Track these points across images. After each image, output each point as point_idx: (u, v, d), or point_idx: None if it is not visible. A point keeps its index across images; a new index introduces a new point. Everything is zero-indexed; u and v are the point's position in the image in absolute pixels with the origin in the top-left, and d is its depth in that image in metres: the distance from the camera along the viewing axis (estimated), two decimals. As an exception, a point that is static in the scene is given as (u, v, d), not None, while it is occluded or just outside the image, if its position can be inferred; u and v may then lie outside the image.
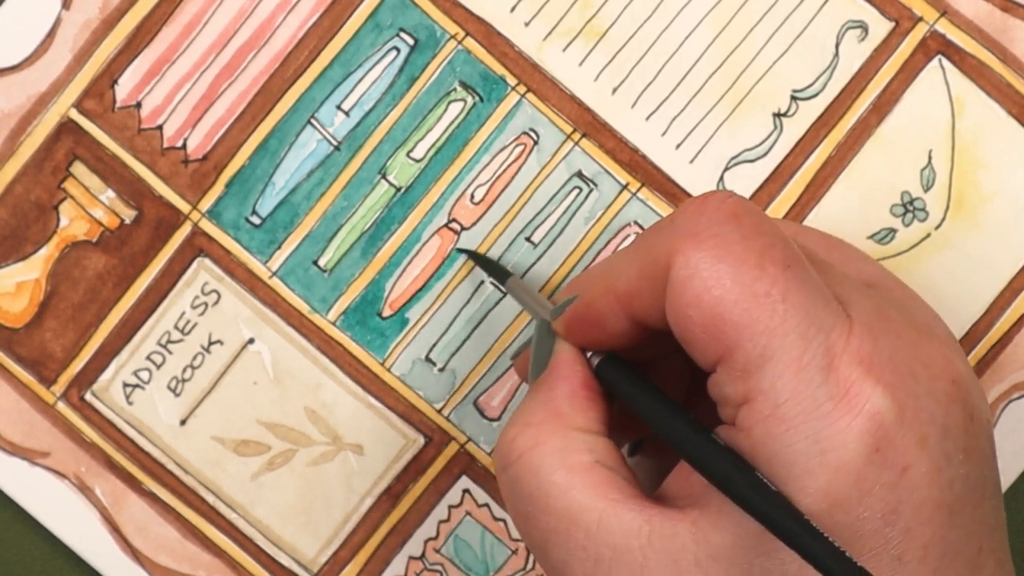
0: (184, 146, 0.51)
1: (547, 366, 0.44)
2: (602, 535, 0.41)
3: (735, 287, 0.40)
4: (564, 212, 0.51)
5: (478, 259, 0.51)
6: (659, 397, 0.42)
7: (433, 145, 0.51)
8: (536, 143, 0.51)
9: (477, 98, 0.51)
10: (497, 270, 0.50)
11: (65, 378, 0.51)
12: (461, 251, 0.51)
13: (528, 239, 0.51)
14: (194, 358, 0.51)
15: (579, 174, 0.51)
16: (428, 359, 0.51)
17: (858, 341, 0.40)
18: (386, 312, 0.51)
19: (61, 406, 0.51)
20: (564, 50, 0.51)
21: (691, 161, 0.51)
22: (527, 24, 0.51)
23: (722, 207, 0.41)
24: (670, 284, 0.41)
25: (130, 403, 0.51)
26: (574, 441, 0.42)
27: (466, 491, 0.51)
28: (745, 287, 0.40)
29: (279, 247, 0.51)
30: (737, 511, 0.40)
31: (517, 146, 0.51)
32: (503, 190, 0.51)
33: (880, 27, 0.51)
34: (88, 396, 0.51)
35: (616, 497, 0.41)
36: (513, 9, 0.51)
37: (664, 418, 0.41)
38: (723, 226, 0.40)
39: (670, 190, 0.51)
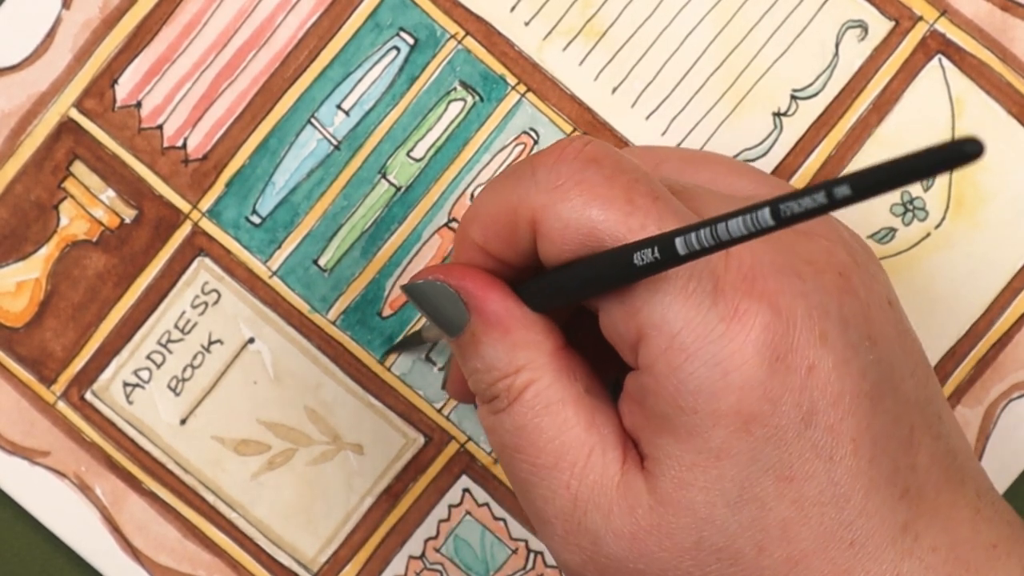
0: (184, 146, 0.51)
1: (466, 323, 0.43)
2: (587, 472, 0.41)
3: (610, 228, 0.40)
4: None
5: (397, 349, 0.51)
6: (566, 265, 0.42)
7: (433, 144, 0.51)
8: (536, 142, 0.51)
9: (477, 97, 0.51)
10: (413, 341, 0.50)
11: (65, 377, 0.51)
12: (387, 354, 0.51)
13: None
14: (194, 357, 0.51)
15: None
16: (428, 359, 0.51)
17: (737, 258, 0.40)
18: (386, 312, 0.51)
19: (61, 405, 0.51)
20: (564, 50, 0.51)
21: (691, 161, 0.51)
22: (527, 24, 0.51)
23: (580, 155, 0.41)
24: (543, 238, 0.41)
25: (130, 402, 0.51)
26: (561, 373, 0.42)
27: (466, 490, 0.51)
28: (620, 225, 0.40)
29: (279, 246, 0.51)
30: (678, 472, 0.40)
31: (517, 145, 0.51)
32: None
33: (880, 26, 0.51)
34: (88, 395, 0.51)
35: (606, 433, 0.42)
36: (513, 9, 0.51)
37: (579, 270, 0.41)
38: (584, 172, 0.40)
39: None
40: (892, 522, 0.40)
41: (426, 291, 0.43)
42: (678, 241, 0.37)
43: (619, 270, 0.39)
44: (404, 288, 0.44)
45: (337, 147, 0.51)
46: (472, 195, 0.51)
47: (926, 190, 0.51)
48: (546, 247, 0.41)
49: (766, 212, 0.34)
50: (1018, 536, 0.42)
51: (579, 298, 0.42)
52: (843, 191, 0.33)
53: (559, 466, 0.42)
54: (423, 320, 0.50)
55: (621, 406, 0.42)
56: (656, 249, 0.38)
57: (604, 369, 0.44)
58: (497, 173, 0.42)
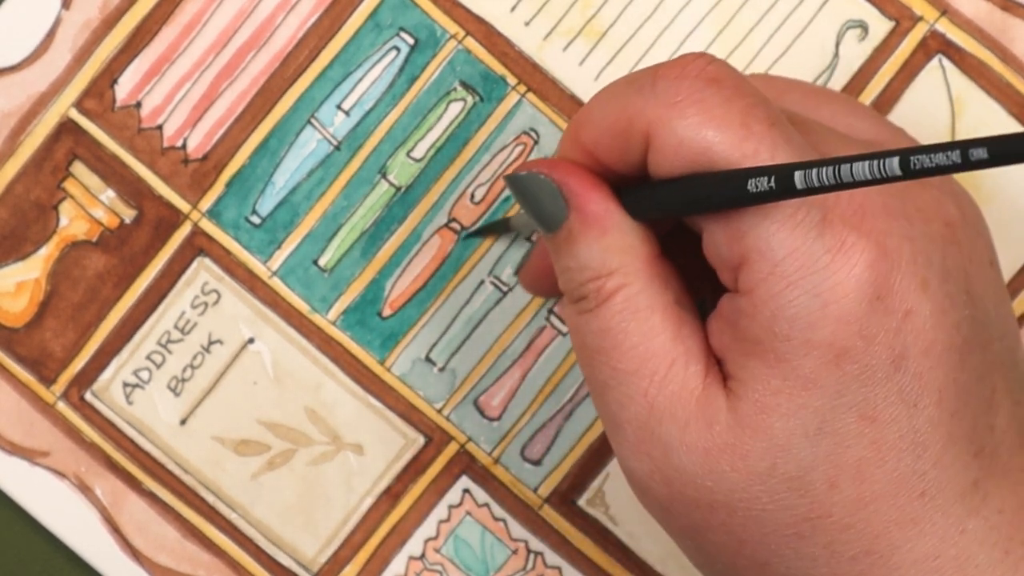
0: (184, 146, 0.51)
1: (564, 220, 0.43)
2: (667, 382, 0.41)
3: (723, 150, 0.40)
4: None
5: (482, 232, 0.50)
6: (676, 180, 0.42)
7: (433, 145, 0.51)
8: (536, 143, 0.51)
9: (477, 98, 0.51)
10: (499, 227, 0.50)
11: (65, 378, 0.51)
12: (468, 237, 0.51)
13: (528, 239, 0.51)
14: (194, 358, 0.51)
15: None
16: (428, 359, 0.51)
17: (849, 192, 0.40)
18: (386, 312, 0.51)
19: (61, 406, 0.51)
20: (564, 50, 0.51)
21: (691, 161, 0.51)
22: (527, 24, 0.51)
23: (702, 73, 0.41)
24: (655, 151, 0.41)
25: (130, 403, 0.51)
26: (653, 281, 0.42)
27: (466, 491, 0.51)
28: (733, 148, 0.40)
29: (279, 247, 0.51)
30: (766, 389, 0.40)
31: (517, 145, 0.51)
32: (503, 190, 0.51)
33: (880, 27, 0.51)
34: (88, 396, 0.51)
35: (690, 345, 0.42)
36: (513, 9, 0.51)
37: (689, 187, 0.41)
38: (704, 91, 0.40)
39: (670, 190, 0.51)
40: (964, 478, 0.41)
41: (528, 184, 0.43)
42: (797, 175, 0.37)
43: (731, 193, 0.39)
44: (507, 178, 0.44)
45: (337, 147, 0.51)
46: (472, 195, 0.51)
47: (926, 190, 0.51)
48: (657, 160, 0.41)
49: (895, 161, 0.34)
50: None
51: (683, 213, 0.42)
52: (979, 153, 0.32)
53: (640, 372, 0.41)
54: (516, 208, 0.50)
55: (710, 325, 0.42)
56: (773, 179, 0.38)
57: (693, 287, 0.44)
58: (613, 81, 0.42)
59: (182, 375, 0.51)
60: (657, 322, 0.42)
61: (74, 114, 0.51)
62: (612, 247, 0.42)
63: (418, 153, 0.51)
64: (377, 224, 0.51)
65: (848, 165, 0.36)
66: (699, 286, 0.44)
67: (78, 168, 0.51)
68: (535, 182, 0.43)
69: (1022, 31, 0.51)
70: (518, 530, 0.51)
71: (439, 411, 0.51)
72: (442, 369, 0.51)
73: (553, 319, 0.51)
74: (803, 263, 0.39)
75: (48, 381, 0.51)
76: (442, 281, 0.51)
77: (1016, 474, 0.42)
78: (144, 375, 0.51)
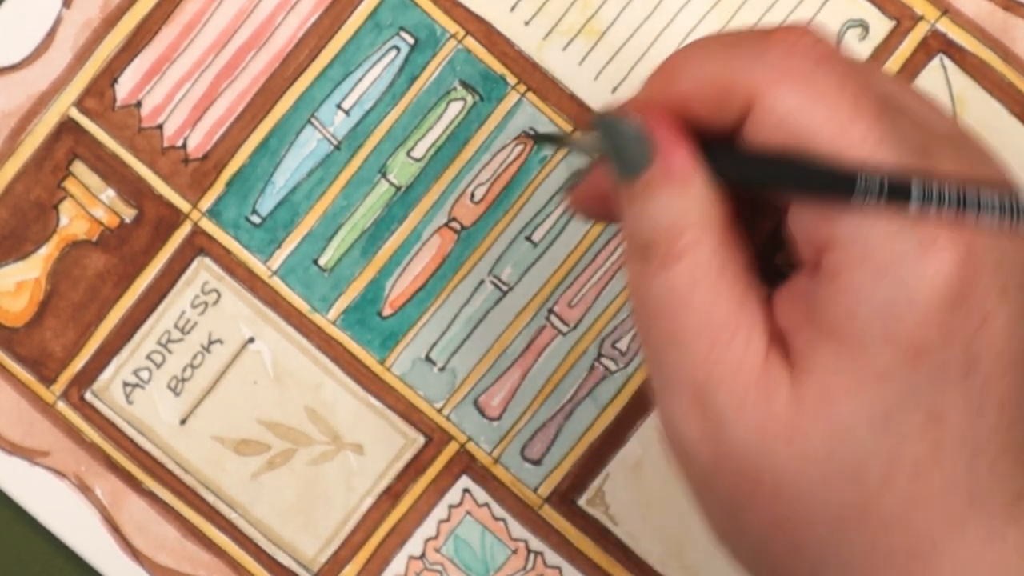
0: (184, 145, 0.51)
1: (646, 168, 0.41)
2: (729, 350, 0.40)
3: (829, 133, 0.39)
4: (565, 211, 0.51)
5: (546, 139, 0.50)
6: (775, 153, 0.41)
7: (433, 144, 0.51)
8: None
9: (477, 97, 0.51)
10: (563, 141, 0.49)
11: (65, 377, 0.51)
12: (536, 138, 0.50)
13: (528, 238, 0.51)
14: (194, 357, 0.51)
15: (579, 173, 0.51)
16: (428, 358, 0.51)
17: None
18: (386, 311, 0.51)
19: (61, 405, 0.51)
20: (564, 49, 0.51)
21: (691, 160, 0.51)
22: (527, 23, 0.51)
23: (815, 48, 0.40)
24: (756, 121, 0.40)
25: (130, 402, 0.51)
26: (726, 245, 0.41)
27: (466, 491, 0.51)
28: (839, 133, 0.39)
29: (279, 246, 0.51)
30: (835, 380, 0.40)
31: (517, 145, 0.51)
32: (503, 189, 0.51)
33: (881, 26, 0.51)
34: (88, 395, 0.51)
35: (756, 317, 0.41)
36: (513, 8, 0.51)
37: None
38: (817, 68, 0.40)
39: (670, 189, 0.51)
40: (1011, 488, 0.40)
41: (618, 126, 0.41)
42: (915, 186, 0.37)
43: (836, 184, 0.39)
44: (595, 117, 0.42)
45: (337, 147, 0.51)
46: (472, 195, 0.51)
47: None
48: (755, 130, 0.40)
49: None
50: None
51: (775, 188, 0.41)
52: None
53: (702, 335, 0.41)
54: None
55: (779, 299, 0.41)
56: (887, 184, 0.38)
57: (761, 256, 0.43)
58: (718, 32, 0.41)
59: (182, 375, 0.51)
60: (725, 287, 0.41)
61: (74, 113, 0.51)
62: (690, 204, 0.41)
63: (418, 153, 0.51)
64: (377, 224, 0.51)
65: (976, 192, 0.35)
66: (767, 256, 0.43)
67: (78, 167, 0.51)
68: (624, 124, 0.41)
69: (1023, 30, 0.51)
70: (518, 530, 0.51)
71: (439, 411, 0.51)
72: (442, 369, 0.51)
73: (553, 319, 0.51)
74: (894, 255, 0.39)
75: (48, 381, 0.51)
76: (442, 281, 0.51)
77: None
78: (144, 375, 0.51)
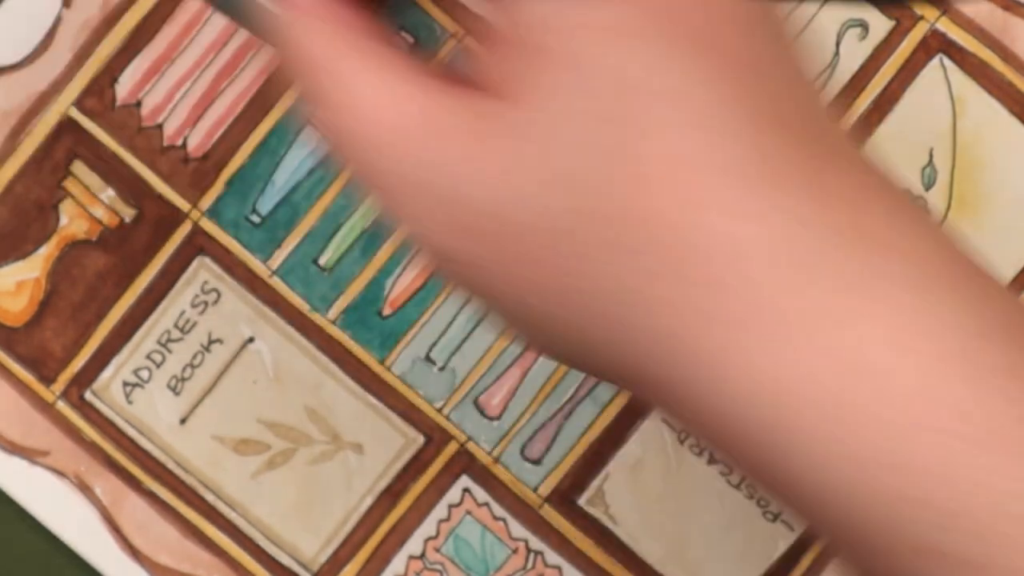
0: (184, 145, 0.51)
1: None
2: (407, 115, 0.35)
3: None
4: None
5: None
6: None
7: (433, 144, 0.51)
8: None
9: (477, 97, 0.51)
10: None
11: (65, 377, 0.51)
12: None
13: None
14: (194, 357, 0.51)
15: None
16: (428, 358, 0.51)
17: None
18: (386, 311, 0.51)
19: (61, 405, 0.51)
20: (564, 49, 0.51)
21: (691, 160, 0.51)
22: (527, 23, 0.51)
23: None
24: None
25: (130, 402, 0.51)
26: (365, 41, 0.35)
27: (466, 490, 0.51)
28: None
29: (279, 246, 0.51)
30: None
31: (517, 145, 0.51)
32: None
33: (881, 26, 0.51)
34: (88, 395, 0.51)
35: (420, 77, 0.35)
36: (513, 8, 0.51)
37: None
38: None
39: (670, 189, 0.51)
40: (802, 161, 0.33)
41: (231, 4, 0.37)
42: None
43: None
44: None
45: (337, 146, 0.51)
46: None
47: (927, 189, 0.51)
48: None
49: None
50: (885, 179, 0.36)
51: None
52: None
53: (397, 122, 0.34)
54: None
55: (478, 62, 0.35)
56: None
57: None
58: None
59: (182, 374, 0.51)
60: (381, 62, 0.35)
61: (74, 113, 0.51)
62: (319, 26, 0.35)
63: (418, 152, 0.51)
64: (377, 224, 0.51)
65: None
66: None
67: (78, 167, 0.51)
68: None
69: (1023, 30, 0.51)
70: (518, 529, 0.51)
71: (439, 410, 0.51)
72: (442, 368, 0.51)
73: (553, 318, 0.51)
74: None
75: (48, 380, 0.51)
76: (442, 280, 0.51)
77: (849, 155, 0.34)
78: (144, 374, 0.51)
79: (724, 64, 0.33)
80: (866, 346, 0.32)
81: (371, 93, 0.35)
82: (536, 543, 0.51)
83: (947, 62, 0.51)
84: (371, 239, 0.51)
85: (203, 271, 0.51)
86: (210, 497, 0.51)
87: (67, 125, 0.51)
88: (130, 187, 0.51)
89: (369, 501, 0.51)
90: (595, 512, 0.51)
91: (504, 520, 0.51)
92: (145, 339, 0.51)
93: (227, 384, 0.51)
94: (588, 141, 0.33)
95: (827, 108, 0.35)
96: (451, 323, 0.51)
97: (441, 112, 0.34)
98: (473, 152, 0.34)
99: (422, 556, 0.51)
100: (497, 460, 0.51)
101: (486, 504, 0.51)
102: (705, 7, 0.33)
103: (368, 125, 0.35)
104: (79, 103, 0.51)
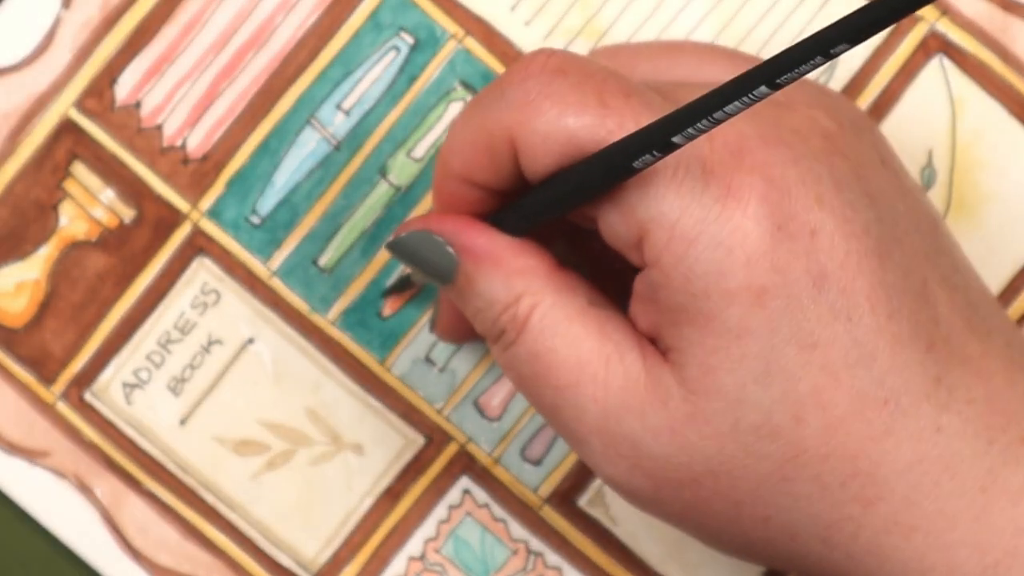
0: (184, 146, 0.51)
1: (454, 267, 0.43)
2: (610, 380, 0.41)
3: (588, 134, 0.40)
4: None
5: (397, 289, 0.50)
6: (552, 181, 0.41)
7: (434, 144, 0.51)
8: (536, 143, 0.51)
9: (477, 98, 0.51)
10: (407, 283, 0.50)
11: (65, 378, 0.51)
12: (386, 295, 0.51)
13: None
14: (194, 358, 0.51)
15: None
16: (428, 359, 0.51)
17: (722, 137, 0.40)
18: (386, 312, 0.51)
19: (61, 406, 0.51)
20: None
21: (691, 161, 0.51)
22: (527, 23, 0.51)
23: (545, 67, 0.41)
24: (524, 155, 0.41)
25: (130, 403, 0.51)
26: (561, 292, 0.42)
27: (466, 491, 0.51)
28: (597, 128, 0.40)
29: (279, 247, 0.51)
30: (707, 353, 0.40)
31: (517, 146, 0.51)
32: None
33: (881, 27, 0.51)
34: (88, 396, 0.51)
35: (618, 338, 0.42)
36: (514, 8, 0.51)
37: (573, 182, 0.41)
38: (552, 84, 0.41)
39: (670, 190, 0.51)
40: (923, 376, 0.40)
41: (410, 244, 0.43)
42: (665, 129, 0.37)
43: (604, 171, 0.40)
44: (388, 246, 0.44)
45: (337, 147, 0.51)
46: (472, 195, 0.51)
47: (927, 189, 0.51)
48: (529, 163, 0.41)
49: (757, 81, 0.34)
50: None
51: (566, 209, 0.42)
52: (841, 48, 0.33)
53: (581, 381, 0.42)
54: None
55: (634, 308, 0.42)
56: (642, 141, 0.38)
57: (608, 287, 0.44)
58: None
59: (182, 375, 0.51)
60: (579, 329, 0.42)
61: (74, 114, 0.51)
62: (511, 272, 0.42)
63: (418, 153, 0.51)
64: (377, 224, 0.51)
65: (717, 97, 0.35)
66: (616, 280, 0.44)
67: (78, 168, 0.51)
68: (417, 240, 0.43)
69: (1023, 31, 0.51)
70: (518, 530, 0.51)
71: (439, 411, 0.51)
72: (442, 369, 0.51)
73: (553, 319, 0.51)
74: (698, 218, 0.39)
75: (48, 381, 0.51)
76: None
77: (976, 362, 0.41)
78: (144, 375, 0.51)
79: (869, 298, 0.41)
80: None
81: (598, 361, 0.42)
82: (536, 544, 0.51)
83: (947, 63, 0.51)
84: (371, 240, 0.51)
85: (203, 272, 0.51)
86: (210, 498, 0.51)
87: (67, 126, 0.51)
88: (130, 188, 0.51)
89: (369, 502, 0.51)
90: (595, 513, 0.51)
91: (504, 521, 0.51)
92: (145, 340, 0.51)
93: (227, 385, 0.51)
94: (767, 396, 0.40)
95: (993, 303, 0.43)
96: (451, 324, 0.51)
97: (644, 378, 0.41)
98: (656, 413, 0.41)
99: (422, 557, 0.51)
100: (497, 461, 0.51)
101: (486, 505, 0.51)
102: (845, 257, 0.40)
103: (594, 388, 0.42)
104: (79, 104, 0.51)
